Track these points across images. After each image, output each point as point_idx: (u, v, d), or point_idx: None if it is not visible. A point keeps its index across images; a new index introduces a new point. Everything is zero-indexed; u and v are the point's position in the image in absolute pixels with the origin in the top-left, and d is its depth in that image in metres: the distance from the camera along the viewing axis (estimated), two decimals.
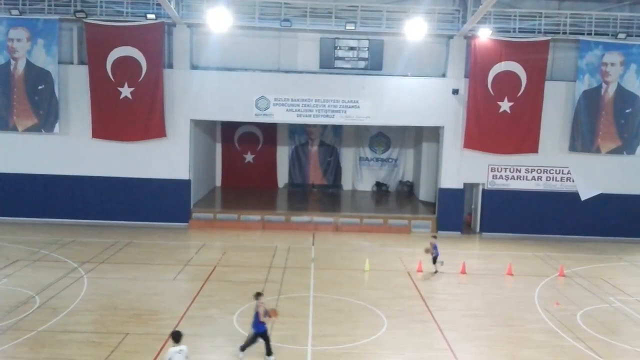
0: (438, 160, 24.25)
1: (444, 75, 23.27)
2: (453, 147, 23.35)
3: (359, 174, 30.73)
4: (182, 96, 22.77)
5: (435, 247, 17.99)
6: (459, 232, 23.66)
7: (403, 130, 29.42)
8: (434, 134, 25.67)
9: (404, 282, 16.80)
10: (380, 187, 30.35)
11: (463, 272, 17.87)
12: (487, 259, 20.27)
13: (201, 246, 20.16)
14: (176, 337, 9.80)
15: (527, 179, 23.48)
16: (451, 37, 22.84)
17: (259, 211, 23.90)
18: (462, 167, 23.40)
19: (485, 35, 22.06)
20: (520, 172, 23.45)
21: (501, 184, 23.50)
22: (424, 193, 27.62)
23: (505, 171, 23.42)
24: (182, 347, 9.69)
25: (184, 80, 22.77)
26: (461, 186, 23.60)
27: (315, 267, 18.01)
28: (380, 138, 30.37)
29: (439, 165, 23.93)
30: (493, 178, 23.48)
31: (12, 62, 22.21)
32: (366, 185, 30.64)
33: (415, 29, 21.19)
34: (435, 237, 19.05)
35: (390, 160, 30.66)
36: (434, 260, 17.92)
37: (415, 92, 23.00)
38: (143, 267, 17.40)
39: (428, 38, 22.24)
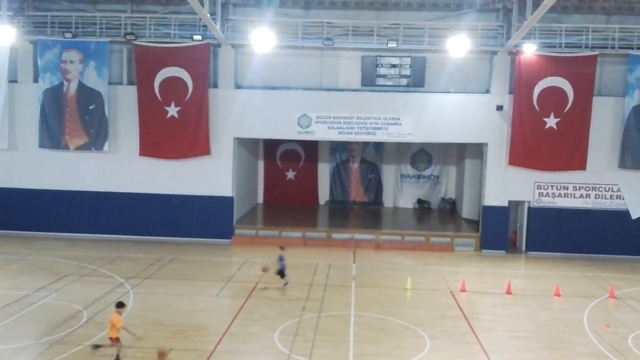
0: (482, 178, 23.88)
1: (487, 92, 23.00)
2: (497, 164, 22.96)
3: (400, 191, 30.54)
4: (227, 115, 23.22)
5: (281, 259, 17.17)
6: (503, 251, 23.15)
7: (445, 147, 29.13)
8: (477, 150, 25.33)
9: (447, 301, 16.52)
10: (422, 205, 30.04)
11: (508, 292, 17.43)
12: (533, 279, 19.72)
13: (243, 263, 20.37)
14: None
15: (574, 197, 22.84)
16: (495, 53, 22.59)
17: (300, 228, 24.00)
18: (507, 185, 22.97)
19: (530, 50, 21.72)
20: (567, 189, 22.83)
21: (548, 202, 22.91)
22: (467, 211, 27.19)
23: (552, 188, 22.84)
24: None
25: (228, 100, 23.24)
26: (506, 204, 23.13)
27: (356, 284, 17.92)
28: (422, 155, 30.14)
29: (483, 183, 23.55)
30: (539, 195, 22.93)
31: (65, 83, 23.15)
32: (407, 202, 30.40)
33: (458, 46, 21.07)
34: (282, 248, 17.72)
35: (432, 177, 30.36)
36: (282, 274, 17.05)
37: (458, 109, 22.81)
38: (187, 282, 17.69)
39: (471, 54, 22.06)
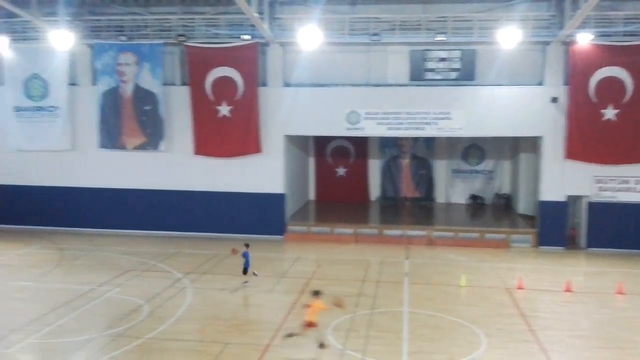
0: (537, 172, 23.27)
1: (540, 84, 22.36)
2: (554, 157, 22.31)
3: (452, 187, 30.11)
4: (276, 113, 23.49)
5: (245, 255, 16.73)
6: (562, 248, 22.50)
7: (498, 141, 28.49)
8: (531, 144, 24.69)
9: (503, 299, 16.20)
10: (476, 200, 29.53)
11: (568, 290, 16.93)
12: (594, 276, 19.12)
13: (296, 259, 20.59)
14: None
15: (636, 191, 21.94)
16: (548, 43, 21.93)
17: (351, 224, 24.05)
18: (564, 179, 22.28)
19: (585, 40, 20.99)
20: (628, 183, 21.96)
21: (608, 196, 22.10)
22: (523, 206, 26.54)
23: (613, 182, 22.02)
24: None
25: (277, 98, 23.50)
26: (564, 199, 22.46)
27: (409, 281, 17.83)
28: (474, 149, 29.59)
29: (539, 177, 22.95)
30: (599, 190, 22.14)
31: (122, 85, 23.95)
32: (460, 198, 29.94)
33: (509, 37, 20.53)
34: (247, 245, 17.10)
35: (485, 172, 29.79)
36: (245, 271, 16.65)
37: (510, 102, 22.29)
38: (242, 278, 18.01)
39: (523, 45, 21.47)
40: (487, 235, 23.03)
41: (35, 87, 24.43)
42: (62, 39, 21.94)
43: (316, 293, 12.47)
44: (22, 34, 23.70)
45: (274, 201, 23.74)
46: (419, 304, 15.56)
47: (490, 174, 29.77)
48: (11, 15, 22.61)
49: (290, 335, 12.47)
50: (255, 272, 17.08)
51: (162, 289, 16.65)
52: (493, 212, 28.05)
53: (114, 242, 22.88)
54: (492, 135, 24.54)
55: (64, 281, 17.38)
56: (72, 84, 24.60)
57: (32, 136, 24.65)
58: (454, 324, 14.10)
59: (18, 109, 24.57)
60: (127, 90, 23.94)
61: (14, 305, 15.21)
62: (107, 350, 12.32)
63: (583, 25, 20.60)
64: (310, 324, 12.17)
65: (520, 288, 17.06)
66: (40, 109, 24.47)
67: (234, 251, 16.94)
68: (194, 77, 23.47)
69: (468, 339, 13.19)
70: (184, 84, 24.07)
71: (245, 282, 16.98)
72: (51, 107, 24.44)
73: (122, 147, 24.22)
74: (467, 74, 22.42)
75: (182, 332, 13.43)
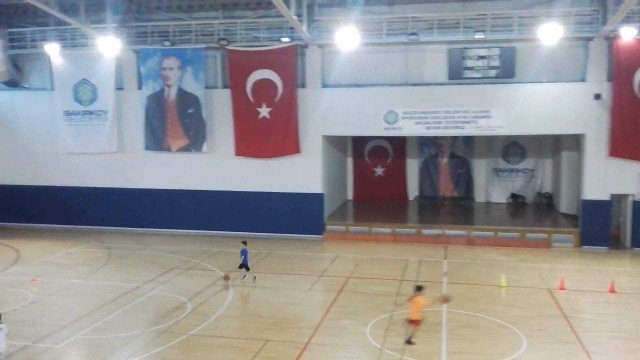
0: (580, 170, 22.81)
1: (583, 80, 21.91)
2: (597, 155, 21.84)
3: (492, 186, 29.76)
4: (315, 114, 23.76)
5: (243, 253, 17.28)
6: (606, 247, 22.00)
7: (539, 139, 28.00)
8: (574, 142, 24.21)
9: (545, 299, 16.00)
10: (516, 199, 29.11)
11: (612, 290, 16.59)
12: (639, 276, 18.63)
13: (334, 258, 20.82)
14: None
15: None
16: (590, 39, 21.49)
17: (389, 224, 24.11)
18: (608, 177, 21.79)
19: (629, 35, 20.44)
20: None
21: None
22: (565, 205, 26.03)
23: None
24: (2, 325, 11.28)
25: (315, 99, 23.77)
26: (608, 197, 21.96)
27: (447, 281, 17.81)
28: (515, 148, 29.17)
29: (582, 176, 22.50)
30: None
31: (166, 88, 24.66)
32: (500, 197, 29.56)
33: (550, 33, 20.20)
34: (245, 242, 17.80)
35: (526, 170, 29.32)
36: (246, 267, 17.36)
37: (551, 99, 21.93)
38: (281, 276, 18.39)
39: (564, 42, 21.10)
40: (528, 235, 22.71)
41: (84, 92, 25.43)
42: (109, 45, 22.79)
43: (419, 288, 12.79)
44: (71, 41, 24.72)
45: (313, 201, 24.02)
46: (458, 304, 15.49)
47: (531, 172, 29.29)
48: (61, 23, 23.63)
49: (409, 341, 12.65)
50: (254, 275, 17.56)
51: (204, 286, 17.15)
52: (534, 212, 27.61)
53: (159, 241, 23.61)
54: (532, 133, 24.18)
55: (111, 279, 18.09)
56: (119, 88, 25.48)
57: (81, 139, 25.66)
58: (494, 325, 14.05)
59: (68, 113, 25.62)
60: (171, 93, 24.64)
61: (64, 302, 15.95)
62: (152, 346, 12.81)
63: (627, 20, 20.11)
64: (414, 322, 12.53)
65: (562, 288, 16.82)
66: (89, 113, 25.46)
67: (227, 277, 17.56)
68: (234, 79, 23.98)
69: (508, 339, 13.12)
70: (225, 86, 24.61)
71: (254, 277, 17.52)
72: (99, 111, 25.39)
73: (167, 149, 24.93)
74: (506, 72, 22.16)
75: (224, 329, 13.84)
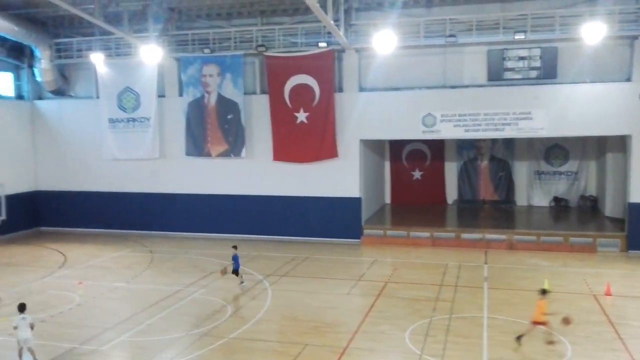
0: (626, 172, 22.12)
1: (628, 80, 21.27)
2: None
3: (534, 189, 29.12)
4: (352, 118, 23.78)
5: (234, 259, 17.40)
6: None
7: (583, 140, 27.31)
8: (619, 143, 23.51)
9: (590, 306, 15.60)
10: (559, 203, 28.41)
11: None
12: None
13: (372, 262, 20.78)
14: (21, 307, 12.10)
15: None
16: (636, 37, 20.84)
17: (428, 228, 23.90)
18: None
19: None
20: None
21: None
22: (611, 208, 25.24)
23: None
24: (25, 315, 11.97)
25: (353, 103, 23.79)
26: None
27: (488, 286, 17.54)
28: (557, 150, 28.47)
29: (628, 178, 21.82)
30: None
31: (206, 95, 25.11)
32: (542, 200, 28.90)
33: (593, 32, 19.67)
34: (235, 247, 17.88)
35: (569, 173, 28.59)
36: (236, 273, 17.48)
37: (595, 99, 21.37)
38: (320, 281, 18.46)
39: (608, 41, 20.52)
40: (572, 239, 22.14)
41: (127, 100, 26.15)
42: (151, 54, 23.38)
43: (543, 292, 12.89)
44: (115, 50, 25.47)
45: (351, 205, 24.04)
46: (499, 309, 15.30)
47: (575, 175, 28.54)
48: (105, 33, 24.38)
49: (519, 338, 12.78)
50: (244, 281, 17.75)
51: (244, 290, 17.37)
52: (578, 215, 26.90)
53: (200, 245, 24.04)
54: (576, 134, 23.61)
55: (154, 282, 18.53)
56: (161, 95, 26.07)
57: (124, 146, 26.38)
58: (537, 331, 13.71)
59: (112, 121, 26.39)
60: (211, 100, 25.08)
61: (109, 305, 16.43)
62: (193, 348, 13.06)
63: None
64: (539, 323, 12.68)
65: (608, 294, 16.35)
66: (132, 120, 26.17)
67: (223, 272, 17.85)
68: (272, 85, 24.24)
69: (552, 346, 12.84)
70: (263, 92, 24.89)
71: (242, 282, 17.68)
72: (142, 118, 26.05)
73: (207, 155, 25.37)
74: (548, 72, 21.73)
75: (263, 332, 14.00)
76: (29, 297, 16.50)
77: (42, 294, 17.13)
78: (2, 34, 24.32)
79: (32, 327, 11.97)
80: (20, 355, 12.03)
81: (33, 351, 12.02)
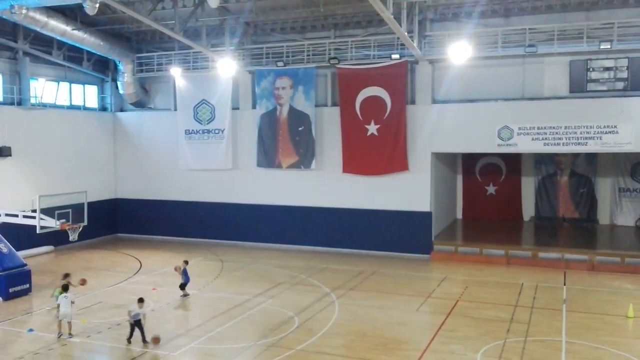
0: None
1: None
2: None
3: (618, 207, 27.42)
4: (424, 130, 23.36)
5: (184, 273, 17.91)
6: None
7: None
8: None
9: None
10: None
11: None
12: None
13: (443, 279, 20.18)
14: (65, 287, 14.76)
15: None
16: None
17: (502, 245, 22.99)
18: None
19: None
20: None
21: None
22: None
23: None
24: (67, 294, 14.43)
25: (425, 115, 23.38)
26: None
27: (567, 309, 16.57)
28: None
29: None
30: None
31: (278, 107, 25.46)
32: (628, 219, 27.14)
33: None
34: (186, 262, 18.62)
35: None
36: (182, 286, 17.86)
37: None
38: (388, 296, 18.11)
39: None
40: None
41: (203, 112, 26.94)
42: (227, 67, 23.98)
43: None
44: (193, 64, 26.36)
45: (421, 219, 23.53)
46: (579, 334, 14.41)
47: None
48: (184, 47, 25.28)
49: None
50: (187, 292, 18.04)
51: (311, 302, 17.31)
52: None
53: (269, 255, 24.27)
54: None
55: (224, 290, 18.82)
56: (235, 108, 26.70)
57: (199, 156, 27.14)
58: (620, 359, 12.83)
59: (188, 132, 27.25)
60: (283, 112, 25.39)
61: (181, 312, 16.86)
62: (261, 358, 13.10)
63: None
64: None
65: None
66: (207, 131, 26.91)
67: (177, 269, 18.35)
68: (344, 97, 24.24)
69: None
70: (334, 104, 24.95)
71: (186, 294, 18.02)
72: (216, 129, 26.75)
73: (278, 166, 25.66)
74: (636, 84, 20.55)
75: (330, 346, 13.83)
76: (106, 299, 17.21)
77: (119, 298, 17.78)
78: (89, 49, 25.76)
79: (72, 303, 14.42)
80: (59, 327, 14.50)
81: (71, 325, 14.42)
